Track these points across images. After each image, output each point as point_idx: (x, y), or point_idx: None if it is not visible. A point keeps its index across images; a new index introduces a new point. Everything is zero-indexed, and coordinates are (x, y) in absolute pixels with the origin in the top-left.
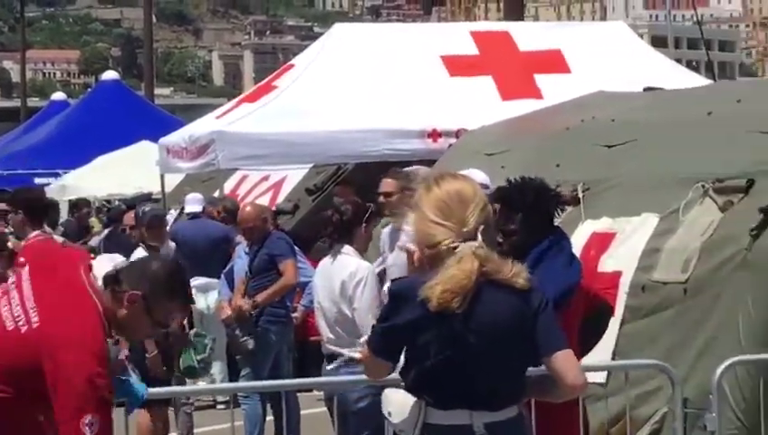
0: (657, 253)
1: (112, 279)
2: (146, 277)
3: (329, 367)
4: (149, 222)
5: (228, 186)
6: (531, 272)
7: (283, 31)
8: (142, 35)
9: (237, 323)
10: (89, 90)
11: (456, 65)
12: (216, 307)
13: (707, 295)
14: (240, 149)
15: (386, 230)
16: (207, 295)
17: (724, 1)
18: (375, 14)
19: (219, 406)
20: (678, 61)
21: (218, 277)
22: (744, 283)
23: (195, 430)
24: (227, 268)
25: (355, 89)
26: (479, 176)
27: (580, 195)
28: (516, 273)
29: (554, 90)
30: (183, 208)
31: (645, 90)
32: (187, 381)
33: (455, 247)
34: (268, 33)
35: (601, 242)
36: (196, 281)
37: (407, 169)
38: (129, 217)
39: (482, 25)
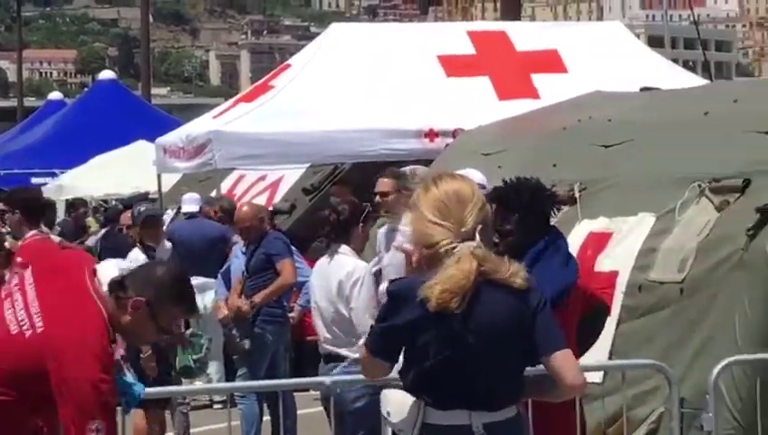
0: (653, 252)
1: (117, 285)
2: (150, 283)
3: (326, 367)
4: (144, 222)
5: (225, 185)
6: (528, 272)
7: (280, 31)
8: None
9: (234, 323)
10: (85, 89)
11: (453, 65)
12: (212, 307)
13: (704, 295)
14: (237, 149)
15: (382, 230)
16: (204, 295)
17: (720, 1)
18: (372, 14)
19: (216, 406)
20: (675, 61)
21: (215, 277)
22: (740, 283)
23: (191, 430)
24: (224, 268)
25: (352, 88)
26: (476, 176)
27: (577, 195)
28: (514, 273)
29: (551, 90)
30: (180, 208)
31: (642, 90)
32: (184, 380)
33: (453, 247)
34: (265, 32)
35: (598, 242)
36: (192, 281)
37: (404, 168)
38: (125, 217)
39: (478, 25)
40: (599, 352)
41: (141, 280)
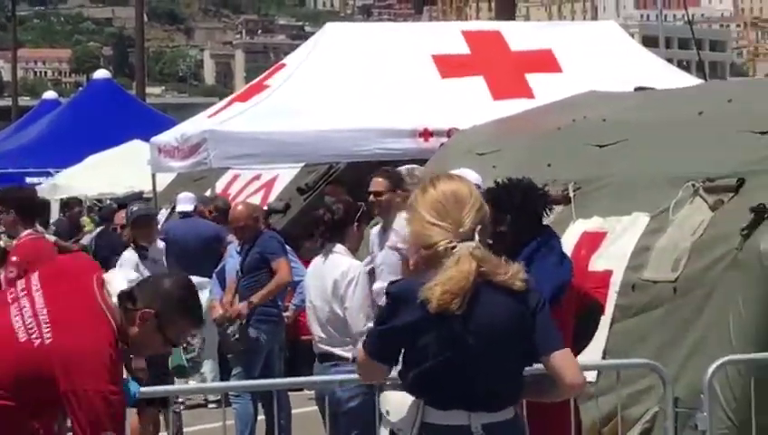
0: (647, 252)
1: (127, 297)
2: (158, 295)
3: (320, 366)
4: (136, 221)
5: (220, 185)
6: (526, 271)
7: (275, 30)
8: (134, 34)
9: (228, 323)
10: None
11: (448, 65)
12: (207, 307)
13: (697, 295)
14: (232, 149)
15: (375, 230)
16: (199, 295)
17: (715, 1)
18: (366, 14)
19: (210, 405)
20: (669, 60)
21: (210, 277)
22: (734, 282)
23: (186, 429)
24: (219, 267)
25: (346, 88)
26: (471, 176)
27: (571, 194)
28: (514, 274)
29: (546, 89)
30: (174, 207)
31: (636, 89)
32: (178, 380)
33: (452, 247)
34: (259, 32)
35: (592, 241)
36: None
37: (402, 167)
38: (119, 217)
39: (473, 25)
40: (592, 351)
41: (149, 292)
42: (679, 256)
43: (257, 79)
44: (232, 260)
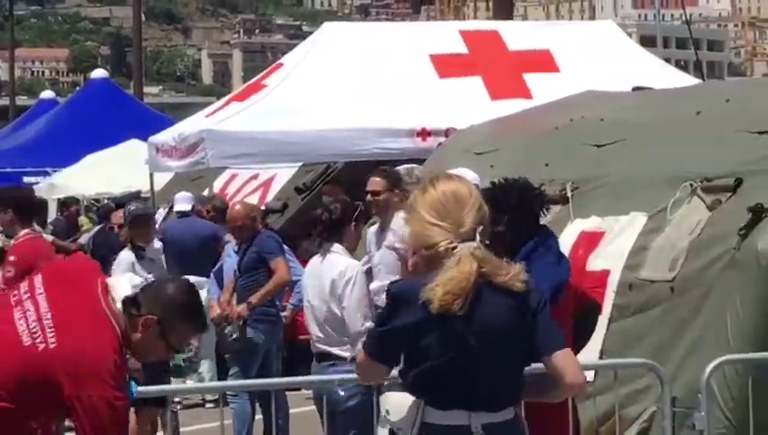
0: (644, 251)
1: (131, 302)
2: (161, 302)
3: (318, 366)
4: (133, 221)
5: (217, 184)
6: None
7: (272, 30)
8: (131, 34)
9: (226, 322)
10: (77, 88)
11: (446, 64)
12: (205, 306)
13: (695, 294)
14: (229, 148)
15: (372, 229)
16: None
17: (712, 0)
18: (364, 13)
19: (208, 405)
20: (667, 60)
21: (207, 276)
22: (732, 282)
23: (184, 429)
24: (216, 267)
25: (344, 88)
26: (469, 175)
27: (569, 194)
28: (514, 275)
29: (543, 89)
30: (172, 207)
31: (634, 89)
32: (174, 379)
33: (453, 247)
34: (257, 31)
35: (590, 241)
36: None
37: (401, 167)
38: (117, 216)
39: (471, 24)
40: (590, 351)
41: (152, 298)
42: (677, 255)
43: (255, 78)
44: (229, 260)
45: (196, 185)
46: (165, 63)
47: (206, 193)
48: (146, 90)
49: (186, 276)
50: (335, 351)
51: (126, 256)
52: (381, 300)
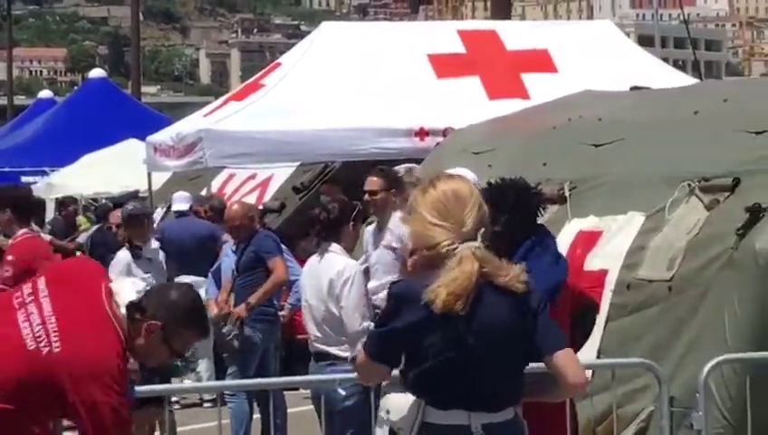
0: (642, 251)
1: (135, 307)
2: (164, 307)
3: (316, 365)
4: (129, 220)
5: (215, 184)
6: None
7: (270, 29)
8: (129, 33)
9: (224, 322)
10: (75, 88)
11: (444, 64)
12: None
13: (692, 294)
14: (227, 148)
15: (369, 229)
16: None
17: (710, 0)
18: (362, 13)
19: (206, 404)
20: (665, 60)
21: (205, 276)
22: (729, 282)
23: (182, 429)
24: (214, 267)
25: (342, 87)
26: (468, 175)
27: (567, 193)
28: (514, 276)
29: (541, 89)
30: (170, 207)
31: (632, 89)
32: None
33: (454, 248)
34: (255, 31)
35: (588, 240)
36: (182, 279)
37: (400, 166)
38: (115, 216)
39: (469, 24)
40: (587, 350)
41: (156, 303)
42: (674, 255)
43: (253, 78)
44: (227, 259)
45: (194, 184)
46: (163, 63)
47: (203, 193)
48: (144, 89)
49: (183, 276)
50: (333, 350)
51: (123, 255)
52: (378, 299)
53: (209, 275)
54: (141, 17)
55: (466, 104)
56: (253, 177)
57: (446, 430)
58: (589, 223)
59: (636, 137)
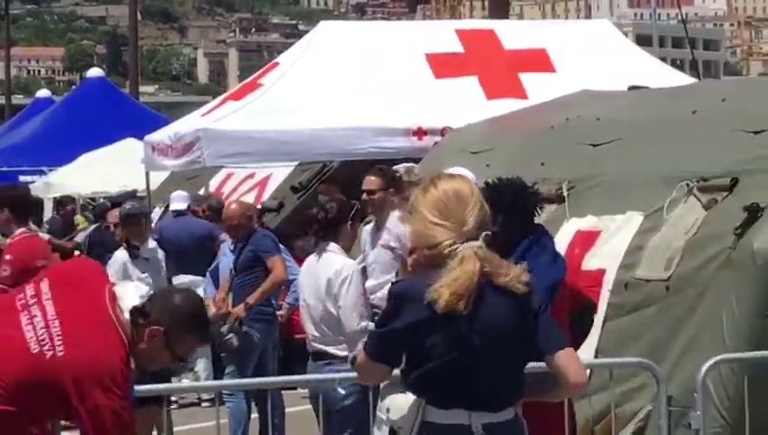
0: (640, 250)
1: (138, 312)
2: (167, 312)
3: (314, 365)
4: (126, 220)
5: (213, 183)
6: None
7: (268, 29)
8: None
9: (222, 321)
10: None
11: (441, 64)
12: None
13: (690, 293)
14: (225, 147)
15: (367, 228)
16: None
17: (708, 0)
18: (360, 12)
19: (204, 404)
20: (663, 59)
21: (203, 275)
22: (727, 281)
23: (180, 428)
24: (212, 266)
25: (340, 87)
26: (467, 174)
27: (565, 193)
28: (515, 277)
29: (539, 89)
30: (168, 206)
31: (630, 88)
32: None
33: (455, 248)
34: (253, 30)
35: (586, 240)
36: (181, 279)
37: (399, 166)
38: (113, 216)
39: (467, 23)
40: (585, 349)
41: (159, 308)
42: (672, 254)
43: (251, 77)
44: (225, 259)
45: (192, 184)
46: (161, 62)
47: (201, 192)
48: (142, 89)
49: (181, 275)
50: (331, 350)
51: (120, 255)
52: (376, 298)
53: (207, 274)
54: (139, 17)
55: (464, 104)
56: (251, 176)
57: (447, 430)
58: (587, 223)
59: (634, 136)
